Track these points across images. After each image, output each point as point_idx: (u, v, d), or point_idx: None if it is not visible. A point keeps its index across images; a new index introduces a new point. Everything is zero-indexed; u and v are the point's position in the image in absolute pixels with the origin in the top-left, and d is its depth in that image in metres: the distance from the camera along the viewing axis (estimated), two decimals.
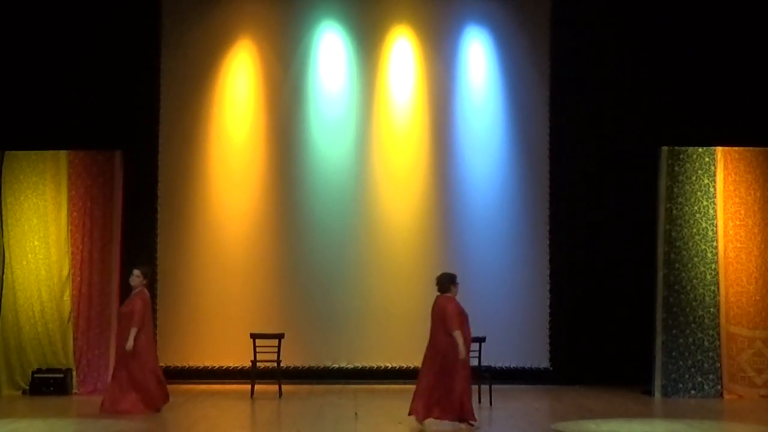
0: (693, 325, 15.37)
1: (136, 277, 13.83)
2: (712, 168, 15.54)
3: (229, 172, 17.00)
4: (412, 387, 16.10)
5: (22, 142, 15.93)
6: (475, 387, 14.39)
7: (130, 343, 13.44)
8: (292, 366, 16.41)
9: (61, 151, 15.81)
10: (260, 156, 17.05)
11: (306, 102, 17.11)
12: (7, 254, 15.56)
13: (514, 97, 17.11)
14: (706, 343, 15.34)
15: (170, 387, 16.09)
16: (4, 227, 15.60)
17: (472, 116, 17.10)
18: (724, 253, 15.45)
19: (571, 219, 16.71)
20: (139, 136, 16.65)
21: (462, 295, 16.61)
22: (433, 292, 16.31)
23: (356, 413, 13.50)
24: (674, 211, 15.53)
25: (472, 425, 12.57)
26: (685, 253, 15.48)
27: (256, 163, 17.04)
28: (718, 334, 15.35)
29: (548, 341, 16.75)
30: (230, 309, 16.66)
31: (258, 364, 15.21)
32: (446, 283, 12.84)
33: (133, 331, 13.45)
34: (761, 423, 13.11)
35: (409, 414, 12.79)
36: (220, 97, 17.09)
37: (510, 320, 16.55)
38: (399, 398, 15.06)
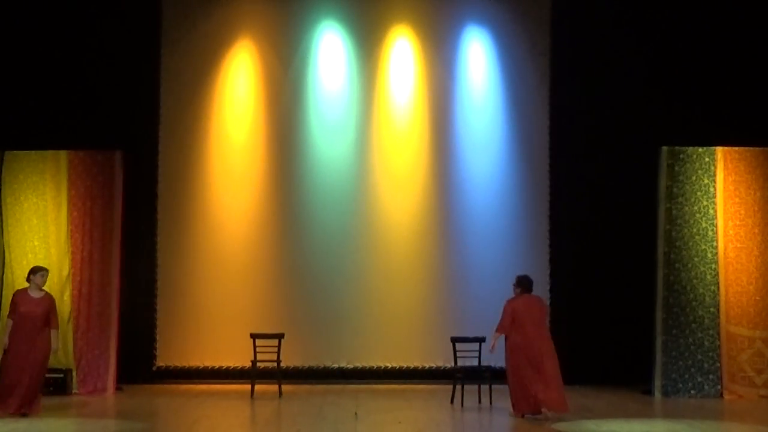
0: (693, 325, 15.37)
1: (42, 277, 13.56)
2: (712, 168, 15.53)
3: (229, 172, 16.99)
4: (412, 387, 16.22)
5: (22, 142, 15.92)
6: (474, 387, 14.41)
7: (56, 345, 13.41)
8: (292, 366, 16.40)
9: (61, 151, 15.79)
10: (260, 156, 17.05)
11: (306, 102, 17.10)
12: (7, 254, 15.56)
13: (514, 97, 17.10)
14: (706, 343, 15.34)
15: (170, 387, 16.20)
16: (4, 227, 15.60)
17: (472, 116, 17.09)
18: (724, 253, 15.44)
19: (571, 219, 16.70)
20: (139, 136, 16.64)
21: (462, 295, 16.69)
22: (434, 292, 16.30)
23: (356, 413, 13.50)
24: (674, 211, 15.53)
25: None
26: (685, 253, 15.47)
27: (256, 163, 17.03)
28: (718, 334, 15.35)
29: None
30: (230, 309, 16.65)
31: (258, 364, 15.20)
32: (532, 283, 13.43)
33: (55, 333, 13.39)
34: (761, 423, 13.10)
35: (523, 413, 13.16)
36: (220, 97, 17.08)
37: None
38: (399, 398, 15.09)
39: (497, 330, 13.27)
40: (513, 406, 13.26)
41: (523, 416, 13.07)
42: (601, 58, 16.69)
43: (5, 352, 13.30)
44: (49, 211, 15.66)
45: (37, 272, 13.56)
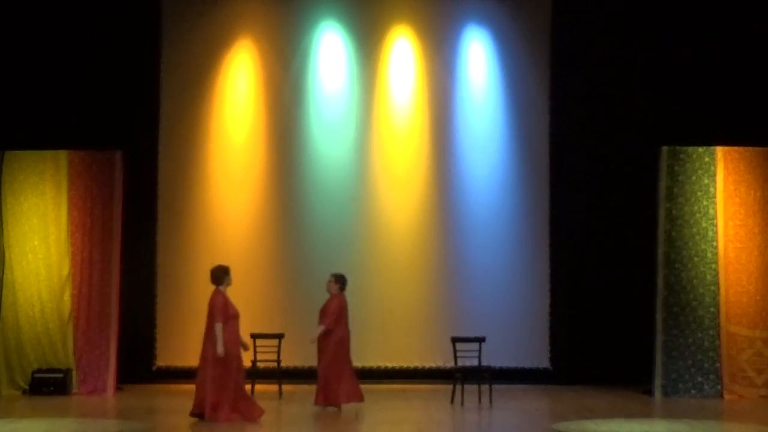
0: (693, 325, 15.37)
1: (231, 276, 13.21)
2: (712, 168, 15.53)
3: (229, 172, 16.99)
4: (412, 387, 16.25)
5: (22, 142, 15.92)
6: (474, 387, 14.42)
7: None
8: (292, 366, 16.40)
9: (61, 151, 15.79)
10: (260, 156, 17.05)
11: (306, 102, 17.11)
12: (7, 254, 15.55)
13: (514, 97, 17.10)
14: (706, 343, 15.34)
15: (170, 387, 16.19)
16: (4, 227, 15.60)
17: (472, 116, 17.09)
18: (724, 253, 15.44)
19: (572, 218, 16.71)
20: (139, 136, 16.65)
21: (462, 295, 16.71)
22: (434, 292, 16.30)
23: (356, 413, 13.51)
24: (674, 211, 15.53)
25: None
26: (685, 253, 15.47)
27: (256, 163, 17.04)
28: (718, 334, 15.35)
29: (548, 341, 16.74)
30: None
31: (258, 364, 15.20)
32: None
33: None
34: (761, 423, 13.10)
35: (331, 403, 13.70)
36: (220, 97, 17.09)
37: (510, 320, 16.55)
38: (399, 398, 15.10)
39: (329, 323, 13.77)
40: (333, 396, 13.66)
41: (325, 407, 13.69)
42: (602, 58, 16.69)
43: (212, 359, 12.70)
44: (49, 211, 15.65)
45: (229, 272, 13.08)
